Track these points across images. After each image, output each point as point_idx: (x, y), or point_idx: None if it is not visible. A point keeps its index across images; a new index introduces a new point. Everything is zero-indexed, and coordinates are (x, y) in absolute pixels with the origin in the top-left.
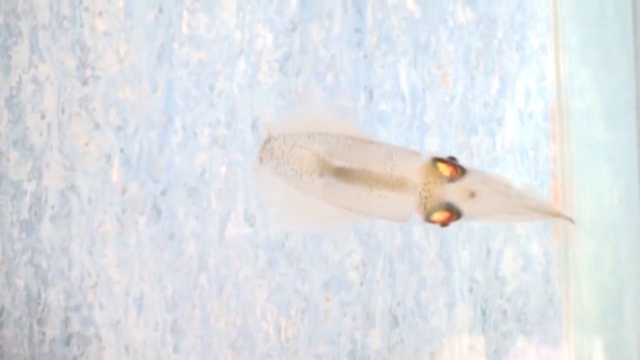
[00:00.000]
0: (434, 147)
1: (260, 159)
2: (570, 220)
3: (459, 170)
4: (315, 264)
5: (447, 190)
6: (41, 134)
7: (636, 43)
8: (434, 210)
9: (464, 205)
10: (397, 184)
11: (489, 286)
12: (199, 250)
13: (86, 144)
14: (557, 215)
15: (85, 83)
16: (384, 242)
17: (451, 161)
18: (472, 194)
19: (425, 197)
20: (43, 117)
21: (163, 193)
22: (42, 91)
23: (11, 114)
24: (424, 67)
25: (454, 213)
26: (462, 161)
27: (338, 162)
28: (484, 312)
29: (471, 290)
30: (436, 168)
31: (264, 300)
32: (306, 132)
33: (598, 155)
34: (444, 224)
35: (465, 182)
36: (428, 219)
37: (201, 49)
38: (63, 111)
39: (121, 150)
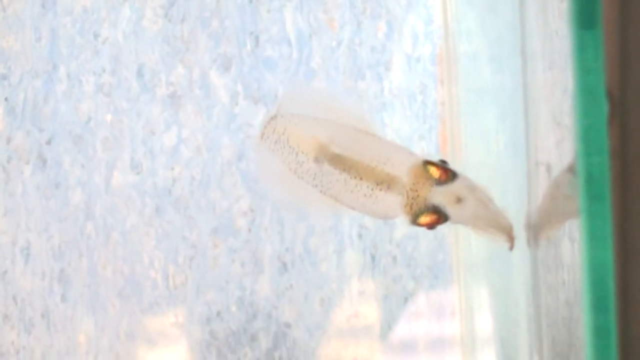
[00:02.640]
0: None
1: (263, 134)
2: (511, 247)
3: (449, 174)
4: (202, 211)
5: (434, 193)
6: None
7: None
8: (421, 212)
9: (450, 209)
10: (386, 181)
11: (378, 232)
12: (85, 199)
13: None
14: (512, 239)
15: None
16: None
17: (442, 164)
18: (459, 199)
19: (412, 198)
20: None
21: (48, 142)
22: None
23: None
24: (310, 12)
25: (441, 216)
26: (350, 105)
27: (335, 149)
28: (373, 258)
29: (360, 236)
30: (426, 170)
31: (151, 248)
32: (314, 115)
33: (485, 99)
34: (430, 226)
35: (453, 187)
36: (415, 221)
37: None
38: None
39: (6, 100)
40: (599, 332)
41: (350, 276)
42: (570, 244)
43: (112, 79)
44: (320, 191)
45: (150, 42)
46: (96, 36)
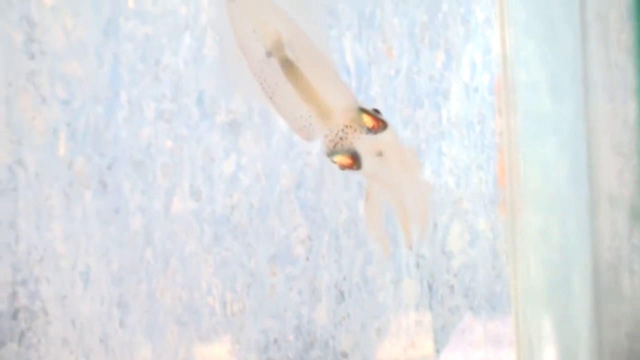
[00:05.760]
0: None
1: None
2: (409, 244)
3: (380, 125)
4: (261, 238)
5: (360, 140)
6: None
7: (582, 16)
8: (340, 152)
9: (368, 160)
10: (324, 113)
11: (435, 261)
12: (145, 224)
13: (33, 118)
14: (408, 230)
15: (32, 57)
16: (329, 216)
17: (375, 114)
18: (380, 153)
19: (340, 138)
20: None
21: (109, 167)
22: None
23: None
24: (369, 41)
25: (355, 162)
26: (408, 135)
27: (291, 55)
28: (430, 288)
29: (418, 265)
30: (360, 117)
31: (209, 275)
32: (287, 12)
33: (544, 128)
34: (342, 167)
35: (379, 139)
36: (330, 155)
37: (147, 24)
38: (10, 85)
39: (68, 125)
40: None
41: (407, 306)
42: (630, 276)
43: (172, 106)
44: (261, 84)
45: (211, 69)
46: (157, 63)
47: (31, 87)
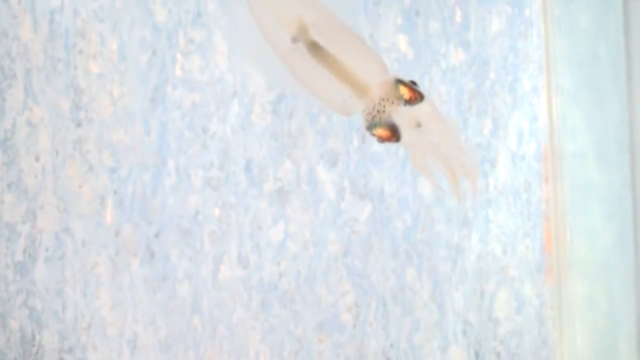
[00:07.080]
0: (426, 188)
1: None
2: (458, 197)
3: (417, 97)
4: (308, 305)
5: (398, 112)
6: (35, 177)
7: (629, 84)
8: (379, 125)
9: (406, 132)
10: (359, 89)
11: (482, 328)
12: (192, 291)
13: (80, 186)
14: (474, 186)
15: (79, 125)
16: (377, 284)
17: (412, 85)
18: (419, 124)
19: (378, 111)
20: (37, 159)
21: (156, 235)
22: (36, 133)
23: (6, 157)
24: None
25: (394, 135)
26: (455, 203)
27: (316, 37)
28: (477, 354)
29: (464, 332)
30: (397, 89)
31: (257, 342)
32: None
33: (591, 197)
34: (381, 140)
35: (417, 110)
36: (369, 129)
37: (194, 92)
38: (57, 153)
39: (115, 192)
40: None
41: None
42: None
43: (220, 174)
44: (290, 69)
45: (259, 137)
46: (205, 131)
47: (78, 154)
